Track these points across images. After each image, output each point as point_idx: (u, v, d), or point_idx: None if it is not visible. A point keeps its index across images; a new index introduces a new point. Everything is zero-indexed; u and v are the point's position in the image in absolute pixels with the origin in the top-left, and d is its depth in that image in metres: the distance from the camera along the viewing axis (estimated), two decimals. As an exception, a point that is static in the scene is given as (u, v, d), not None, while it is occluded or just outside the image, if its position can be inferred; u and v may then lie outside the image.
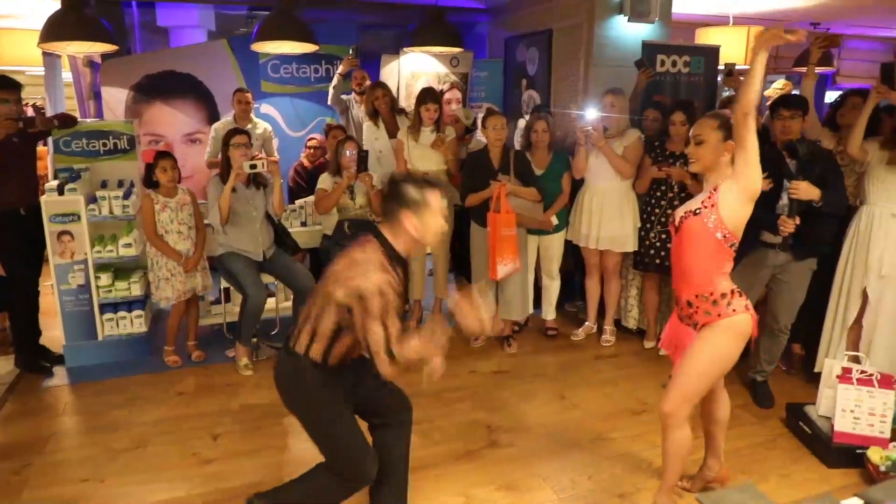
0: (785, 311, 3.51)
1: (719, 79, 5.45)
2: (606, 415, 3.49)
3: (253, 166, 3.80)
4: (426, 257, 4.63)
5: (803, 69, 4.96)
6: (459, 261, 4.83)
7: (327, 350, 2.18)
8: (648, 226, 4.15)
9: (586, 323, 4.57)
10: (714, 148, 2.36)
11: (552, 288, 4.52)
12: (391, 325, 2.02)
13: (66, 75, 7.05)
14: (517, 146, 4.65)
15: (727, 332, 2.36)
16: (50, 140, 4.36)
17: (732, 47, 5.90)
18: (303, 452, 3.11)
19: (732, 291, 2.38)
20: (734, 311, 2.35)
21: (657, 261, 4.11)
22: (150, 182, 3.93)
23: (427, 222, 2.14)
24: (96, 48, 4.66)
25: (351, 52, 5.45)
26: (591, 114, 4.15)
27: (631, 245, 4.22)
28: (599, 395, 3.71)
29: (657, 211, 4.10)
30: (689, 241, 2.39)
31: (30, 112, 5.96)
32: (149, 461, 3.05)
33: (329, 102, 5.57)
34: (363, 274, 2.03)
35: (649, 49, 5.11)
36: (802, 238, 3.28)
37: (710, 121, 2.41)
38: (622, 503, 2.77)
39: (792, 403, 3.43)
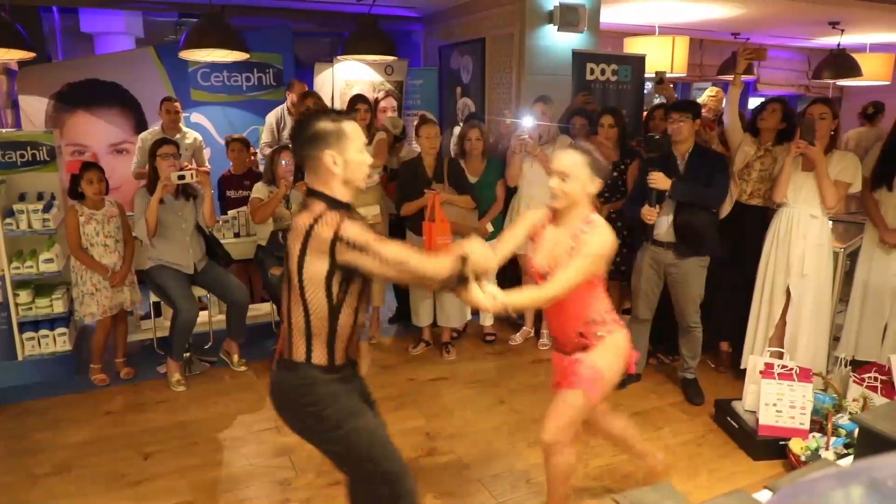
0: (687, 307, 3.67)
1: (648, 86, 5.64)
2: (544, 418, 3.53)
3: (181, 177, 3.70)
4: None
5: (729, 77, 5.19)
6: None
7: (330, 343, 1.92)
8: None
9: (524, 327, 4.64)
10: (583, 184, 2.26)
11: (489, 293, 4.56)
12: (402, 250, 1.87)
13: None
14: (452, 154, 4.69)
15: (606, 351, 2.35)
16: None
17: (658, 56, 6.12)
18: (238, 469, 3.05)
19: (608, 310, 2.39)
20: (609, 331, 2.35)
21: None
22: (74, 193, 3.78)
23: (350, 158, 1.90)
24: (11, 55, 4.46)
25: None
26: (528, 122, 4.23)
27: (566, 250, 4.30)
28: (538, 399, 3.75)
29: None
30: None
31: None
32: (73, 485, 2.92)
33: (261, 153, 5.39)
34: (328, 225, 1.81)
35: (579, 57, 5.24)
36: (683, 235, 3.53)
37: (578, 156, 2.27)
38: None
39: (720, 400, 3.56)
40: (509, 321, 4.80)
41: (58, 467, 3.06)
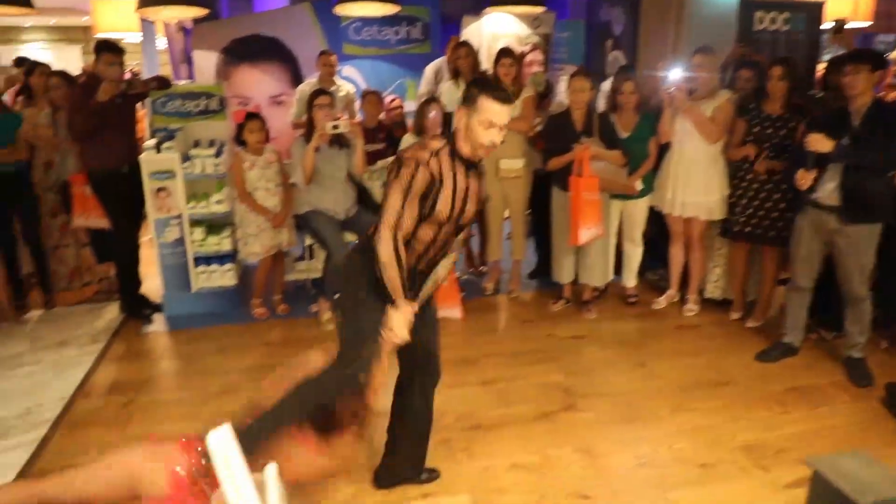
0: (852, 277, 3.33)
1: (824, 37, 5.10)
2: (687, 385, 3.41)
3: (335, 127, 3.85)
4: (504, 221, 4.60)
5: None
6: (539, 225, 4.77)
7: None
8: (739, 192, 3.96)
9: (668, 291, 4.45)
10: None
11: (634, 255, 4.42)
12: (407, 210, 2.09)
13: (161, 42, 7.34)
14: (601, 108, 4.52)
15: None
16: (147, 101, 4.57)
17: (838, 2, 5.49)
18: (383, 407, 3.21)
19: None
20: None
21: (747, 229, 3.93)
22: (239, 141, 4.07)
23: (472, 126, 2.13)
24: (189, 13, 4.81)
25: None
26: (676, 74, 3.98)
27: (718, 213, 4.05)
28: (680, 366, 3.62)
29: (748, 177, 3.91)
30: None
31: (127, 76, 6.25)
32: (240, 405, 3.21)
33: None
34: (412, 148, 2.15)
35: (747, 5, 4.82)
36: (851, 199, 3.19)
37: None
38: (704, 473, 2.72)
39: (893, 384, 3.24)
40: (657, 285, 4.63)
41: (226, 388, 3.38)
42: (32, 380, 3.47)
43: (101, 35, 6.48)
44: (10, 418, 3.09)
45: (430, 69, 5.55)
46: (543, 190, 4.37)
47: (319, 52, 5.22)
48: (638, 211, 4.30)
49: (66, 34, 15.13)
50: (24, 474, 2.69)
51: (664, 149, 4.20)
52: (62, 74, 4.51)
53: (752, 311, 4.14)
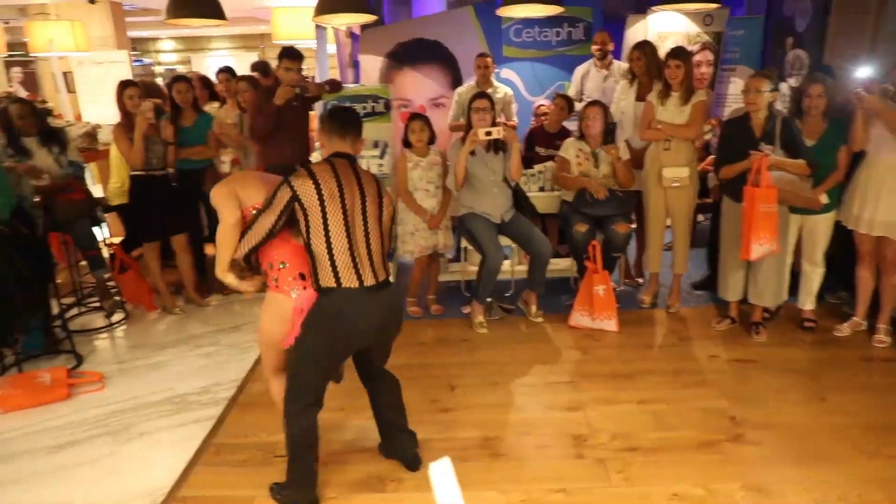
0: None
1: None
2: (879, 426, 3.02)
3: (489, 133, 3.85)
4: (665, 229, 4.36)
5: None
6: (714, 234, 4.45)
7: None
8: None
9: (853, 318, 3.98)
10: None
11: (814, 275, 4.00)
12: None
13: (330, 48, 7.76)
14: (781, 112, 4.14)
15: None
16: (319, 104, 4.83)
17: None
18: (534, 416, 3.16)
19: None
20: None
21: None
22: (405, 142, 4.18)
23: None
24: (359, 19, 5.04)
25: None
26: (865, 72, 3.55)
27: (917, 232, 3.57)
28: (870, 403, 3.22)
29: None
30: None
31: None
32: (396, 401, 3.30)
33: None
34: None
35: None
36: None
37: None
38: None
39: None
40: (838, 310, 4.18)
41: (381, 383, 3.48)
42: (211, 360, 3.79)
43: (279, 42, 6.98)
44: (191, 394, 3.39)
45: (577, 72, 5.42)
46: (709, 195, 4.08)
47: (476, 54, 5.26)
48: (821, 227, 3.89)
49: (245, 42, 16.56)
50: (203, 448, 2.94)
51: (856, 159, 3.77)
52: (248, 79, 4.89)
53: (960, 347, 3.61)
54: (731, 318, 4.07)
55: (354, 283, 2.31)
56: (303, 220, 2.28)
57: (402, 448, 2.78)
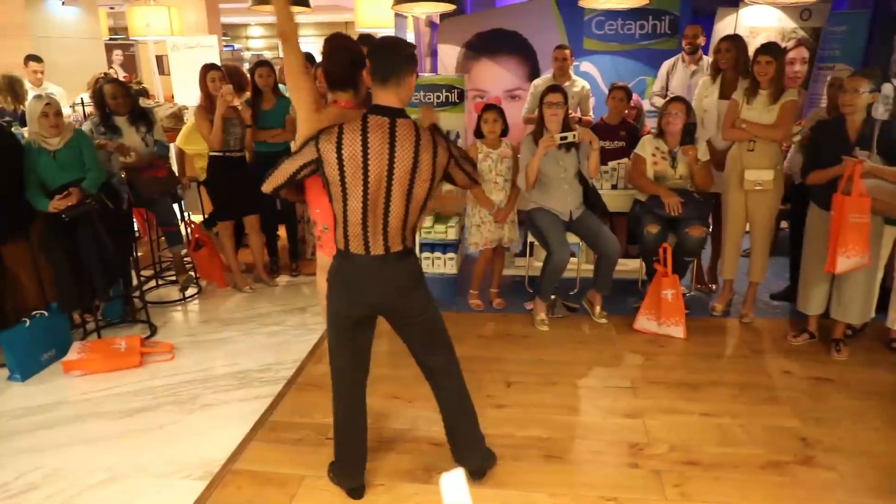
0: None
1: None
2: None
3: (564, 138, 3.77)
4: (744, 235, 4.15)
5: None
6: (797, 242, 4.20)
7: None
8: None
9: (953, 341, 3.68)
10: None
11: (906, 292, 3.72)
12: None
13: (409, 36, 7.80)
14: (881, 115, 3.84)
15: None
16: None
17: None
18: (591, 419, 3.08)
19: None
20: None
21: None
22: (478, 133, 4.15)
23: None
24: (439, 8, 5.03)
25: None
26: None
27: None
28: (963, 435, 2.97)
29: None
30: None
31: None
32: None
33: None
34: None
35: None
36: None
37: None
38: None
39: None
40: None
41: (438, 374, 3.48)
42: (275, 339, 3.90)
43: (360, 30, 7.07)
44: (254, 371, 3.50)
45: (664, 66, 5.22)
46: (799, 205, 3.85)
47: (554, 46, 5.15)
48: (919, 241, 3.61)
49: (330, 29, 16.90)
50: (260, 424, 3.02)
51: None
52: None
53: None
54: (809, 333, 3.84)
55: (361, 251, 2.22)
56: (324, 180, 2.21)
57: (462, 457, 2.61)
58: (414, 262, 2.34)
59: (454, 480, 2.46)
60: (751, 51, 4.16)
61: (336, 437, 2.52)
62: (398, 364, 3.34)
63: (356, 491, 2.55)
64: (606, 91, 5.99)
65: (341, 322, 2.35)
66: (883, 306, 3.81)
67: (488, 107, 4.14)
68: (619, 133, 4.64)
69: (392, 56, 2.15)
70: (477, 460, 2.61)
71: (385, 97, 2.16)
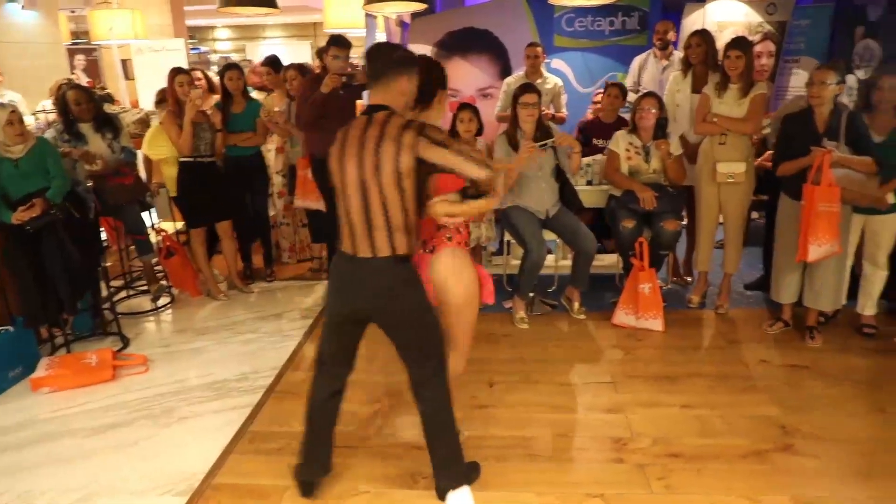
0: None
1: None
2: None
3: (543, 146, 3.77)
4: (718, 227, 4.19)
5: None
6: (770, 232, 4.25)
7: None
8: None
9: (920, 325, 3.76)
10: None
11: (875, 278, 3.78)
12: None
13: (380, 36, 7.74)
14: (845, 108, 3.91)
15: None
16: (366, 93, 4.80)
17: None
18: (573, 416, 3.08)
19: None
20: None
21: None
22: (453, 132, 4.12)
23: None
24: (410, 7, 4.99)
25: None
26: None
27: None
28: (938, 418, 3.03)
29: None
30: None
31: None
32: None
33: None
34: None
35: None
36: None
37: None
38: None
39: None
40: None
41: (419, 376, 3.44)
42: (250, 347, 3.83)
43: (329, 30, 6.99)
44: (231, 380, 3.43)
45: (635, 61, 5.26)
46: (770, 195, 3.90)
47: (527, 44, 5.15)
48: (886, 228, 3.67)
49: (299, 30, 16.74)
50: (239, 435, 2.96)
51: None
52: (298, 67, 4.90)
53: None
54: (784, 322, 3.89)
55: (349, 251, 2.25)
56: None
57: (435, 472, 2.45)
58: (403, 269, 2.23)
59: (461, 500, 2.42)
60: (719, 45, 4.21)
61: (305, 424, 2.49)
62: (391, 371, 3.28)
63: (306, 486, 2.51)
64: (579, 88, 6.06)
65: (332, 317, 2.40)
66: (853, 293, 3.88)
67: (463, 106, 4.12)
68: (613, 132, 4.60)
69: (382, 58, 2.20)
70: (447, 478, 2.42)
71: (375, 96, 2.22)
